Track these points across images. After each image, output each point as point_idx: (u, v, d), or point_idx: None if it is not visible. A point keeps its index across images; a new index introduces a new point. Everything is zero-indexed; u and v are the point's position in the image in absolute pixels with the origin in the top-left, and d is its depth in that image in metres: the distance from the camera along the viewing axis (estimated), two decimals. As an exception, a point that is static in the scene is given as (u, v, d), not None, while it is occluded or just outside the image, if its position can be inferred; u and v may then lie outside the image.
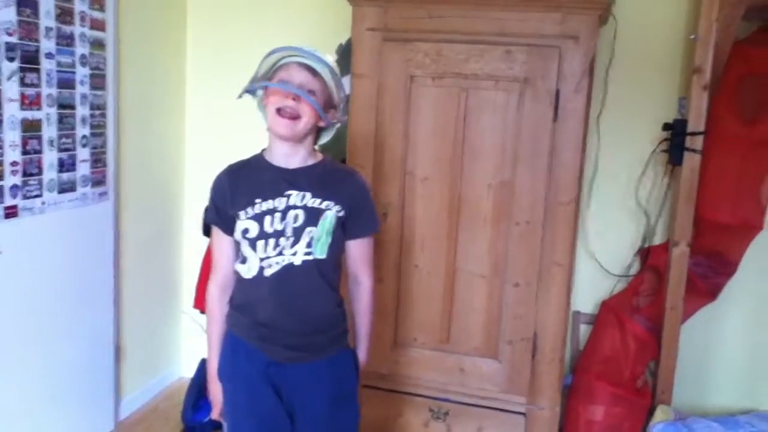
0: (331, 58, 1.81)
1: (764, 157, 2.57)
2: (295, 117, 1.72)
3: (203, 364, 3.17)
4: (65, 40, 2.50)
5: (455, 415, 2.59)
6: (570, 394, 2.79)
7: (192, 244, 3.40)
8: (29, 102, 2.35)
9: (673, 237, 2.64)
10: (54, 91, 2.46)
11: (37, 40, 2.37)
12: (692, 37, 2.58)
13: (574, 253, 2.51)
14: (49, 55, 2.43)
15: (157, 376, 3.38)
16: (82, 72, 2.60)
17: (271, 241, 1.74)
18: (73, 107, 2.57)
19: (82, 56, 2.60)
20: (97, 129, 2.72)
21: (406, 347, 2.59)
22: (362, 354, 1.98)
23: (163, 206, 3.31)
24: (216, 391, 1.89)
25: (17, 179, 2.33)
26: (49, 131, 2.46)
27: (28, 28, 2.33)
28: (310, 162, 1.80)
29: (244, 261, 1.78)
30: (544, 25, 2.31)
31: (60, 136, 2.52)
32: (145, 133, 3.10)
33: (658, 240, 2.86)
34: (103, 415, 2.93)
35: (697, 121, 2.55)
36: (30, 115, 2.36)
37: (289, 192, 1.75)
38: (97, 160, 2.74)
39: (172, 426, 3.05)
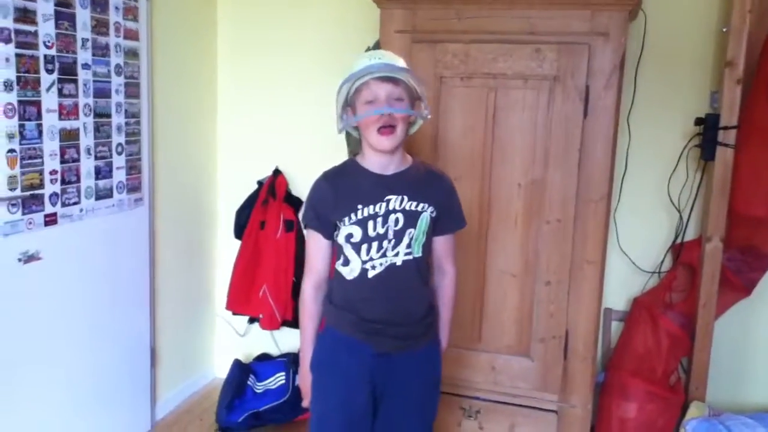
0: (401, 60, 1.85)
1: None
2: (393, 128, 1.80)
3: (237, 365, 3.22)
4: (101, 51, 2.56)
5: (487, 413, 2.60)
6: (602, 391, 2.78)
7: (225, 247, 3.46)
8: (67, 112, 2.41)
9: (706, 232, 2.62)
10: (90, 100, 2.52)
11: (74, 52, 2.43)
12: (724, 29, 2.56)
13: (605, 251, 2.50)
14: (85, 66, 2.48)
15: (192, 378, 3.44)
16: (117, 81, 2.66)
17: (374, 244, 1.84)
18: (109, 116, 2.63)
19: (117, 66, 2.65)
20: (132, 137, 2.78)
21: (439, 346, 2.61)
22: (444, 340, 2.09)
23: (197, 211, 3.37)
24: (308, 382, 1.99)
25: (56, 187, 2.39)
26: (86, 140, 2.52)
27: (66, 40, 2.39)
28: (404, 167, 1.89)
29: (346, 263, 1.88)
30: (573, 22, 2.31)
31: (96, 145, 2.58)
32: (179, 139, 3.16)
33: (690, 236, 2.84)
34: (140, 416, 3.00)
35: (729, 115, 2.52)
36: (68, 124, 2.42)
37: (389, 197, 1.84)
38: (133, 167, 2.79)
39: (207, 426, 3.10)
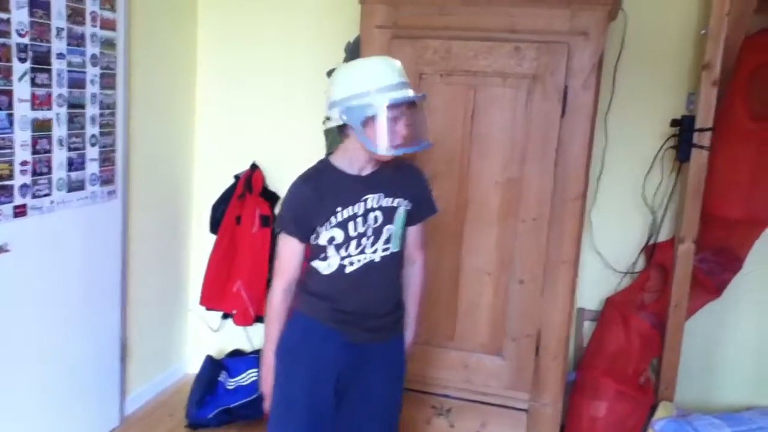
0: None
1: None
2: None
3: (208, 361, 3.20)
4: (76, 41, 2.51)
5: (458, 411, 2.60)
6: (573, 390, 2.80)
7: (200, 242, 3.42)
8: (40, 102, 2.37)
9: (679, 234, 2.64)
10: (65, 90, 2.48)
11: (48, 41, 2.38)
12: (702, 32, 2.58)
13: (579, 250, 2.51)
14: (60, 56, 2.44)
15: (163, 373, 3.40)
16: (92, 72, 2.61)
17: (354, 242, 1.89)
18: (83, 107, 2.58)
19: (93, 56, 2.61)
20: (107, 128, 2.74)
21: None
22: (411, 334, 2.13)
23: (172, 205, 3.33)
24: (270, 381, 1.99)
25: (27, 178, 2.35)
26: (59, 130, 2.47)
27: (40, 29, 2.34)
28: (377, 165, 1.91)
29: (325, 259, 1.90)
30: (554, 21, 2.31)
31: (70, 136, 2.53)
32: (155, 132, 3.11)
33: (664, 237, 2.86)
34: (109, 411, 2.96)
35: (705, 117, 2.55)
36: (41, 114, 2.38)
37: (366, 196, 1.89)
38: (106, 159, 2.75)
39: (177, 422, 3.08)
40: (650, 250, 2.87)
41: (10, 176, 2.27)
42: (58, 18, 2.41)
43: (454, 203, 2.48)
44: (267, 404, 2.02)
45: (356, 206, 1.87)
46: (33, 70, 2.32)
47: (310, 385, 1.94)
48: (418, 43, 2.42)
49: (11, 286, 2.34)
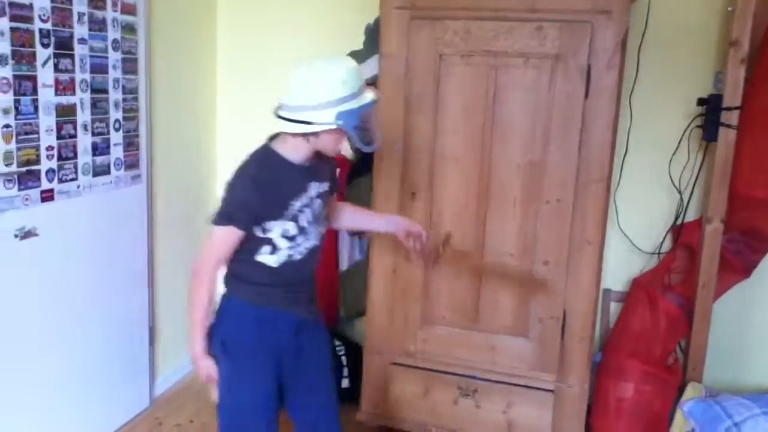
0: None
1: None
2: None
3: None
4: (97, 26, 2.52)
5: (484, 392, 2.61)
6: (599, 371, 2.78)
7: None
8: (63, 87, 2.39)
9: (707, 214, 2.61)
10: (87, 76, 2.50)
11: (70, 26, 2.40)
12: (730, 8, 2.52)
13: (605, 231, 2.49)
14: (81, 41, 2.45)
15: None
16: (114, 57, 2.63)
17: (304, 233, 1.91)
18: (106, 92, 2.61)
19: (114, 41, 2.62)
20: (130, 113, 2.76)
21: (435, 326, 2.62)
22: (398, 220, 2.26)
23: (196, 188, 3.35)
24: (208, 364, 1.96)
25: (53, 163, 2.38)
26: (83, 116, 2.50)
27: (61, 14, 2.35)
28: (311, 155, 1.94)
29: (274, 252, 1.89)
30: (576, 0, 2.27)
31: (94, 121, 2.55)
32: (177, 116, 3.13)
33: (691, 217, 2.82)
34: (139, 392, 3.01)
35: (733, 96, 2.49)
36: (65, 100, 2.40)
37: (309, 185, 1.92)
38: (130, 144, 2.77)
39: (204, 402, 3.11)
40: (677, 231, 2.83)
41: (37, 161, 2.31)
42: (79, 3, 2.42)
43: (476, 186, 2.47)
44: (215, 392, 2.00)
45: (304, 196, 1.90)
46: (56, 55, 2.34)
47: (275, 374, 1.97)
48: (438, 24, 2.40)
49: (40, 270, 2.38)
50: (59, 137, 2.39)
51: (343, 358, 3.11)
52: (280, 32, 3.27)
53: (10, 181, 2.21)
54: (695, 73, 2.74)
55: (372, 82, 2.77)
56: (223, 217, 1.86)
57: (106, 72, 2.59)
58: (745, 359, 2.89)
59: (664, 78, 2.77)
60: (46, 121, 2.33)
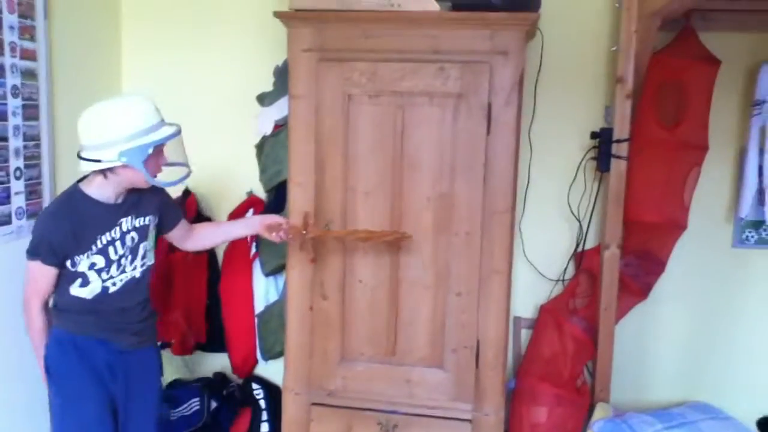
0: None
1: (685, 159, 2.72)
2: None
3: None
4: (-5, 71, 2.45)
5: (404, 426, 2.61)
6: (514, 398, 2.86)
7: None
8: (-40, 135, 2.30)
9: (604, 240, 2.76)
10: (-14, 123, 2.41)
11: (-35, 72, 2.32)
12: (614, 48, 2.72)
13: (511, 260, 2.58)
14: (-22, 87, 2.37)
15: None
16: (14, 103, 2.54)
17: (114, 265, 2.04)
18: (6, 139, 2.51)
19: (14, 87, 2.55)
20: (32, 160, 2.66)
21: (353, 362, 2.62)
22: (254, 222, 2.55)
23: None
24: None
25: (-52, 213, 2.27)
26: (-19, 163, 2.40)
27: (-45, 60, 2.27)
28: (125, 193, 2.08)
29: (85, 285, 1.99)
30: (475, 41, 2.39)
31: (-8, 169, 2.46)
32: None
33: (590, 244, 2.97)
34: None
35: (621, 129, 2.67)
36: (-39, 148, 2.31)
37: (121, 220, 2.05)
38: (33, 192, 2.67)
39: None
40: (579, 257, 2.98)
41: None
42: (-25, 49, 2.36)
43: (388, 220, 2.52)
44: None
45: (113, 231, 2.01)
46: (-49, 102, 2.26)
47: (99, 397, 2.05)
48: (345, 65, 2.46)
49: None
50: (-45, 186, 2.30)
51: (262, 402, 3.06)
52: (187, 75, 3.25)
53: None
54: (587, 108, 2.92)
55: (283, 123, 2.81)
56: (30, 253, 1.97)
57: (6, 119, 2.50)
58: (647, 377, 3.04)
59: (560, 112, 2.94)
60: (-60, 169, 2.23)
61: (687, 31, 2.64)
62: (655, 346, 3.03)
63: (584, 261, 2.93)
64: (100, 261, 2.01)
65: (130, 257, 2.07)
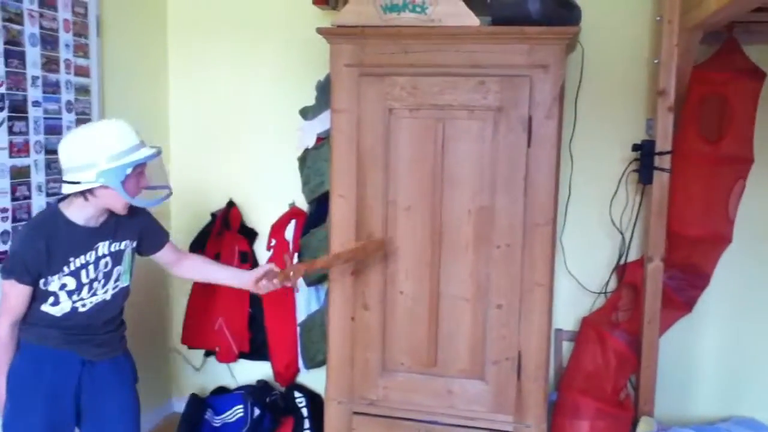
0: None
1: (729, 173, 2.68)
2: None
3: (192, 400, 3.21)
4: (51, 88, 2.57)
5: (444, 437, 2.63)
6: (555, 410, 2.85)
7: (179, 281, 3.43)
8: (17, 149, 2.41)
9: (647, 253, 2.74)
10: (41, 137, 2.52)
11: (24, 89, 2.43)
12: (655, 61, 2.71)
13: (553, 273, 2.58)
14: (36, 103, 2.49)
15: (148, 413, 3.37)
16: (68, 118, 2.66)
17: (86, 288, 2.04)
18: (60, 152, 2.62)
19: (68, 102, 2.66)
20: (85, 172, 2.77)
21: (394, 372, 2.65)
22: (246, 274, 2.37)
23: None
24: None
25: (7, 225, 2.38)
26: (37, 177, 2.51)
27: (15, 78, 2.39)
28: (106, 215, 2.07)
29: (56, 304, 2.00)
30: (515, 55, 2.40)
31: (48, 182, 2.57)
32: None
33: (633, 256, 2.95)
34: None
35: (664, 141, 2.66)
36: (19, 162, 2.42)
37: (97, 245, 2.05)
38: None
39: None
40: (621, 270, 2.96)
41: (-8, 224, 2.31)
42: (33, 67, 2.47)
43: (429, 232, 2.54)
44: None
45: (88, 255, 2.02)
46: (10, 118, 2.37)
47: (47, 413, 2.04)
48: (386, 80, 2.50)
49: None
50: (13, 199, 2.40)
51: (304, 410, 3.11)
52: (233, 87, 3.34)
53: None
54: (629, 120, 2.91)
55: (325, 136, 2.86)
56: (5, 271, 1.99)
57: (60, 133, 2.62)
58: (692, 391, 3.00)
59: (601, 125, 2.93)
60: (1, 183, 2.33)
61: (730, 44, 2.61)
62: (699, 359, 2.99)
63: (627, 274, 2.91)
64: (71, 282, 2.01)
65: (102, 281, 2.08)
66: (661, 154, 2.66)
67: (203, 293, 3.26)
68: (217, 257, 3.25)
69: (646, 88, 2.89)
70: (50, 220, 1.99)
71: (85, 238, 2.01)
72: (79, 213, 1.99)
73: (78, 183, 1.91)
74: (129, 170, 1.92)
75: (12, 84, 2.37)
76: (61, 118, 2.62)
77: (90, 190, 1.93)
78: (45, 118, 2.54)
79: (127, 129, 1.97)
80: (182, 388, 3.50)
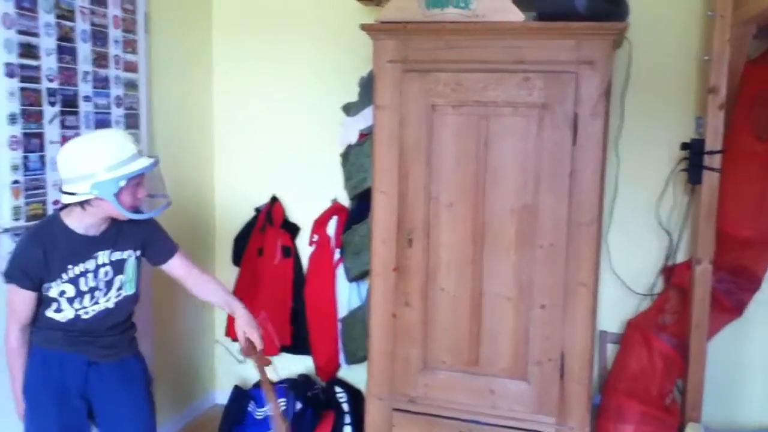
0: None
1: (783, 172, 2.60)
2: None
3: (236, 392, 3.24)
4: (101, 83, 2.63)
5: (485, 436, 2.61)
6: (599, 413, 2.80)
7: (223, 274, 3.48)
8: (69, 143, 2.47)
9: (696, 254, 2.67)
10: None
11: (75, 85, 2.50)
12: (706, 57, 2.63)
13: (598, 273, 2.54)
14: (86, 98, 2.56)
15: (192, 404, 3.45)
16: (117, 113, 2.72)
17: (87, 296, 2.05)
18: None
19: (117, 98, 2.72)
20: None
21: (435, 370, 2.64)
22: (241, 309, 2.35)
23: (195, 238, 3.40)
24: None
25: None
26: (87, 170, 2.57)
27: (67, 73, 2.46)
28: (107, 224, 2.07)
29: (59, 311, 2.02)
30: (560, 51, 2.37)
31: (97, 175, 2.62)
32: (177, 168, 3.19)
33: (681, 258, 2.89)
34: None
35: (714, 140, 2.59)
36: (70, 155, 2.48)
37: (97, 253, 2.05)
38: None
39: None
40: (668, 272, 2.89)
41: (44, 216, 2.36)
42: (84, 62, 2.53)
43: (471, 230, 2.53)
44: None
45: (87, 263, 2.03)
46: (62, 113, 2.44)
47: (59, 413, 2.07)
48: (429, 76, 2.49)
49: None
50: (64, 191, 2.46)
51: (345, 405, 3.12)
52: (276, 83, 3.38)
53: (18, 235, 2.26)
54: (677, 119, 2.85)
55: (368, 132, 2.87)
56: (6, 276, 2.02)
57: (110, 127, 2.67)
58: (741, 397, 2.92)
59: (648, 123, 2.87)
60: (53, 176, 2.40)
61: (786, 39, 2.54)
62: (749, 365, 2.91)
63: (674, 276, 2.85)
64: (70, 290, 2.02)
65: (104, 290, 2.08)
66: (711, 153, 2.58)
67: (247, 286, 3.30)
68: (260, 252, 3.29)
69: (696, 85, 2.81)
70: (49, 227, 2.02)
71: (84, 247, 2.02)
72: (78, 222, 2.01)
73: (74, 194, 1.93)
74: (123, 182, 1.92)
75: (64, 79, 2.44)
76: (110, 113, 2.68)
77: (87, 201, 1.95)
78: (95, 113, 2.60)
79: (122, 140, 1.98)
80: (225, 381, 3.54)
